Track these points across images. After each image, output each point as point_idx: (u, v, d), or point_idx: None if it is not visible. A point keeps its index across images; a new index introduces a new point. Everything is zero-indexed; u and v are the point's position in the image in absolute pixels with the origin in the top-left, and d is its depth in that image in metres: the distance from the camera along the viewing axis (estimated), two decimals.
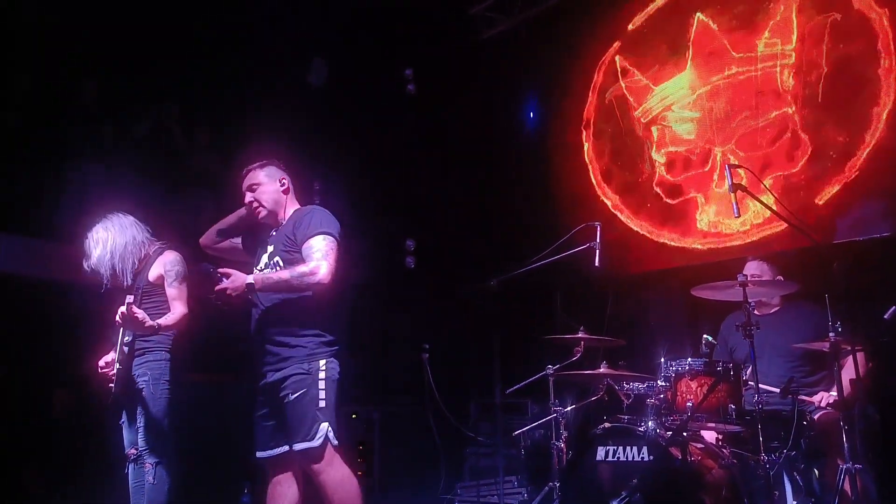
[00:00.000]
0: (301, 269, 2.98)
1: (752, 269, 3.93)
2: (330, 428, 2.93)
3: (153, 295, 3.48)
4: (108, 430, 3.52)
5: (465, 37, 6.37)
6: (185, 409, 3.48)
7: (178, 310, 3.42)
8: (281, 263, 3.10)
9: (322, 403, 2.95)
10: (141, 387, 3.37)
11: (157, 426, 3.34)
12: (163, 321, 3.33)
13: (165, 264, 3.50)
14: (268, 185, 3.24)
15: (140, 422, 3.35)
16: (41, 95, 5.06)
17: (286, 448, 3.01)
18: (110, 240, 3.51)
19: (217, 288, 2.90)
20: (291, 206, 3.30)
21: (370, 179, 6.23)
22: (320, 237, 3.05)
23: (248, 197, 3.24)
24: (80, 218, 3.67)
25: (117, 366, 3.33)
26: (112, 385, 3.34)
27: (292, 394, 2.96)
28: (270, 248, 3.20)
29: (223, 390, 4.80)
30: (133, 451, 3.36)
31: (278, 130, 5.80)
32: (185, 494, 3.47)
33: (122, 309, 3.15)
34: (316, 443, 2.90)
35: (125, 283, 3.50)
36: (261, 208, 3.22)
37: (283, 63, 5.89)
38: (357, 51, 6.02)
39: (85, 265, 3.52)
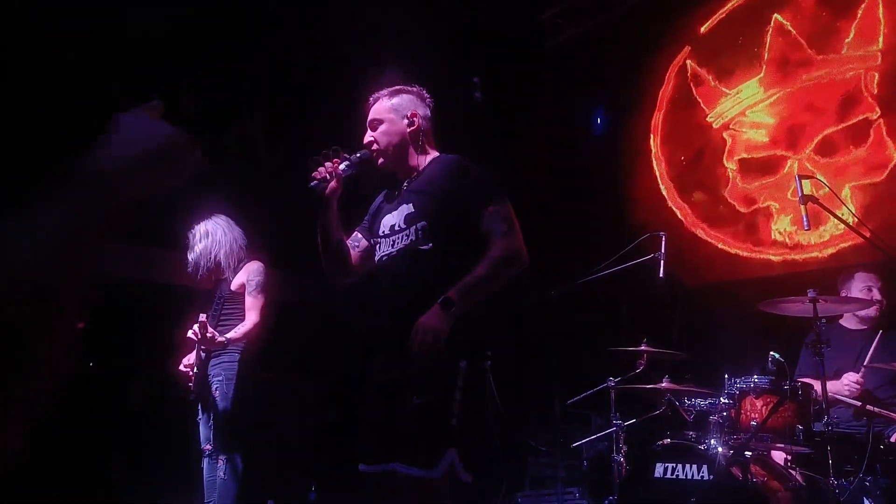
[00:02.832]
0: (500, 252, 2.28)
1: (866, 280, 3.74)
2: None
3: (233, 303, 3.63)
4: (184, 425, 3.69)
5: (533, 44, 6.34)
6: (256, 407, 3.61)
7: (250, 319, 3.54)
8: (427, 230, 2.33)
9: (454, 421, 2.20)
10: (215, 386, 3.52)
11: (230, 424, 3.48)
12: (232, 335, 3.46)
13: (249, 273, 3.63)
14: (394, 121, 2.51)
15: (213, 419, 3.49)
16: (130, 105, 5.33)
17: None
18: (219, 232, 3.66)
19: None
20: (429, 153, 2.59)
21: None
22: (500, 201, 2.37)
23: (368, 137, 2.52)
24: (175, 224, 3.86)
25: (195, 368, 3.52)
26: (191, 385, 3.54)
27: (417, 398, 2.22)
28: (406, 207, 2.41)
29: (290, 389, 4.97)
30: (208, 446, 3.50)
31: (354, 139, 5.94)
32: (256, 489, 3.61)
33: (196, 327, 3.31)
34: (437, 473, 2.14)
35: (229, 277, 3.63)
36: (378, 151, 2.47)
37: (357, 73, 6.02)
38: (425, 59, 6.10)
39: (189, 258, 3.66)
